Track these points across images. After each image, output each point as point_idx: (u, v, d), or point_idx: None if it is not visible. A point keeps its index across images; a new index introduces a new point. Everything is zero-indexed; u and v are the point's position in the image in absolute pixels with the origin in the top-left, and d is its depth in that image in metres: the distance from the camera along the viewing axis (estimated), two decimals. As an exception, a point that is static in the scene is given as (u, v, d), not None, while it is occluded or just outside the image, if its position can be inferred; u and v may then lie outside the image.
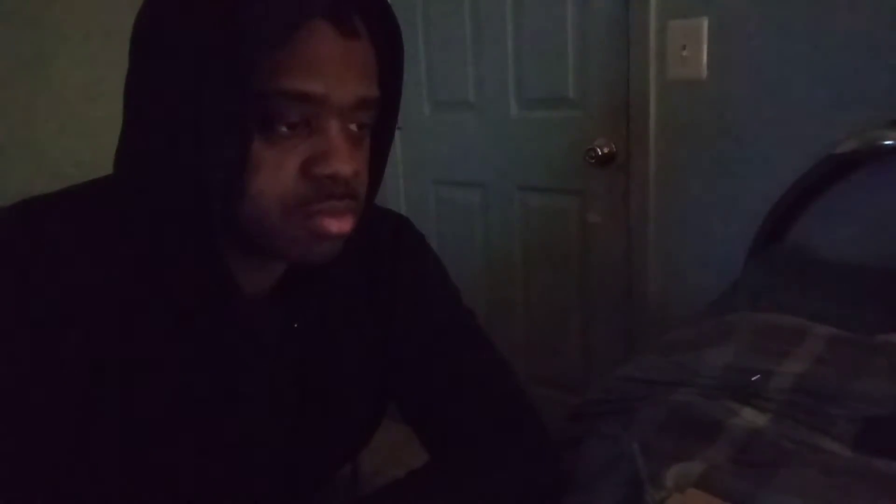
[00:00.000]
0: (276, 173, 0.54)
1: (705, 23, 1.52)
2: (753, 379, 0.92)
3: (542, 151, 1.89)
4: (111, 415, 0.57)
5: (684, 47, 1.55)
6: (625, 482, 0.67)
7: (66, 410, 0.56)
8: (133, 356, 0.58)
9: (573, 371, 1.99)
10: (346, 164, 0.56)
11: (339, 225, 0.58)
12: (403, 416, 0.76)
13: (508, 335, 2.05)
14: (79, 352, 0.55)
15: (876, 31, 1.33)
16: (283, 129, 0.54)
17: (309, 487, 0.74)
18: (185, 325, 0.59)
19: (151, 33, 0.55)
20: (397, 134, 1.68)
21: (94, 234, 0.57)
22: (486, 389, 0.73)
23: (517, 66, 1.88)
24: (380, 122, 0.62)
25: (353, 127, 0.58)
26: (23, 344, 0.54)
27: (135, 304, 0.57)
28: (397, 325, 0.73)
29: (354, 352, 0.71)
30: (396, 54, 0.62)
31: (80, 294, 0.55)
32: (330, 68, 0.54)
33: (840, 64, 1.38)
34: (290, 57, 0.53)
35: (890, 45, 1.32)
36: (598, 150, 1.73)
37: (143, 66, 0.55)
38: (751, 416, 0.84)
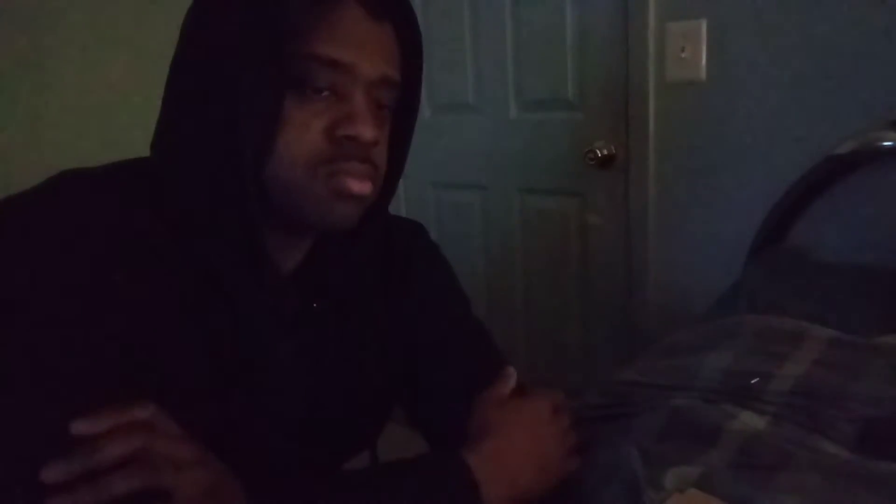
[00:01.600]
0: (303, 133, 0.58)
1: (704, 24, 1.52)
2: (753, 382, 0.92)
3: (542, 153, 1.89)
4: (135, 384, 0.56)
5: (683, 49, 1.55)
6: (624, 489, 0.67)
7: (96, 379, 0.55)
8: (162, 329, 0.58)
9: (573, 372, 1.98)
10: (369, 128, 0.60)
11: (360, 186, 0.61)
12: (409, 418, 0.76)
13: (508, 337, 2.05)
14: (110, 321, 0.55)
15: (875, 32, 1.33)
16: (313, 93, 0.59)
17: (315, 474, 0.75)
18: (216, 297, 0.60)
19: (198, 14, 0.60)
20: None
21: (127, 206, 0.59)
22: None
23: (516, 67, 1.88)
24: (398, 121, 0.67)
25: (375, 105, 0.62)
26: (57, 312, 0.54)
27: (167, 275, 0.58)
28: (407, 328, 0.74)
29: (366, 351, 0.72)
30: (416, 54, 0.67)
31: (111, 264, 0.56)
32: (359, 42, 0.60)
33: (839, 65, 1.38)
34: (324, 27, 0.58)
35: (889, 46, 1.32)
36: (598, 151, 1.73)
37: (191, 36, 0.60)
38: (750, 420, 0.84)
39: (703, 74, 1.54)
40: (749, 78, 1.49)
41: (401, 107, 0.67)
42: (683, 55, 1.55)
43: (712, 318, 1.21)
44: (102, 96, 1.69)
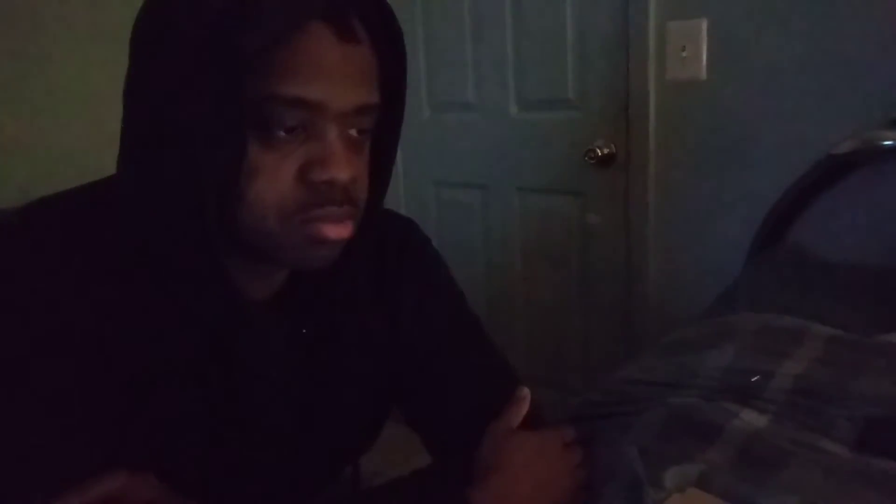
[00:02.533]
0: (273, 179, 0.54)
1: (704, 24, 1.52)
2: (753, 380, 0.92)
3: (542, 152, 1.89)
4: (114, 418, 0.56)
5: (684, 48, 1.55)
6: (625, 487, 0.67)
7: (72, 414, 0.55)
8: (138, 361, 0.57)
9: (573, 372, 1.99)
10: (343, 170, 0.55)
11: (338, 230, 0.57)
12: (406, 417, 0.76)
13: (508, 336, 2.05)
14: (84, 358, 0.55)
15: (875, 32, 1.33)
16: (281, 133, 0.54)
17: (310, 488, 0.75)
18: (190, 329, 0.59)
19: (149, 35, 0.55)
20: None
21: (97, 240, 0.57)
22: (489, 394, 0.73)
23: (517, 67, 1.88)
24: (384, 124, 0.62)
25: (353, 132, 0.58)
26: (27, 354, 0.53)
27: (140, 308, 0.57)
28: (402, 327, 0.73)
29: (360, 354, 0.71)
30: (399, 58, 0.61)
31: (83, 301, 0.55)
32: (328, 74, 0.54)
33: (839, 64, 1.38)
34: (287, 61, 0.52)
35: (889, 46, 1.32)
36: (598, 150, 1.73)
37: (140, 68, 0.55)
38: (751, 418, 0.84)
39: (703, 74, 1.55)
40: (749, 77, 1.49)
41: (383, 119, 0.61)
42: (684, 54, 1.55)
43: (712, 317, 1.21)
44: (103, 97, 1.69)
